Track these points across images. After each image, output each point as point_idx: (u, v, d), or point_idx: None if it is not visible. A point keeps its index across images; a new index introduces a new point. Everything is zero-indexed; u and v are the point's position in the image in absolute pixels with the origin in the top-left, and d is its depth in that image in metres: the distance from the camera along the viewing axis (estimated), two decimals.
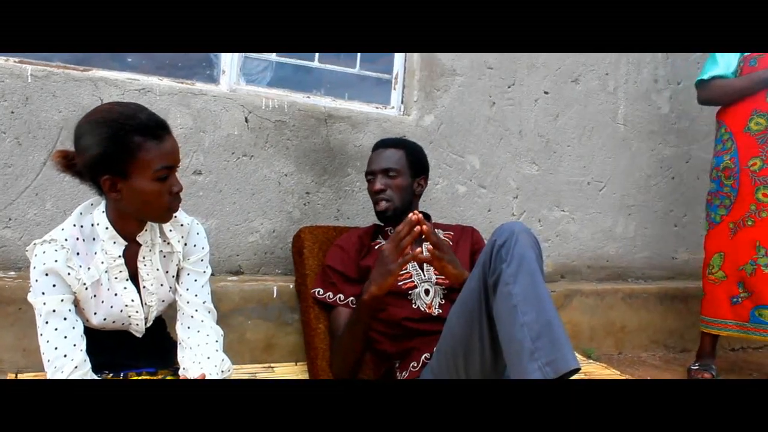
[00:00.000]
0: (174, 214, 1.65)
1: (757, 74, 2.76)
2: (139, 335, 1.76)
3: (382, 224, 2.36)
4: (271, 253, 2.71)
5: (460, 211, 3.09)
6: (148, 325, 1.77)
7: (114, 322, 1.68)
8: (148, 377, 1.74)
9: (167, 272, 1.74)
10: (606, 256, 3.52)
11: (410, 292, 2.12)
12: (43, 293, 1.52)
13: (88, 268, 1.59)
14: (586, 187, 3.42)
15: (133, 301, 1.68)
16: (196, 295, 1.74)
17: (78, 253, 1.58)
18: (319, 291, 2.24)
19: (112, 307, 1.65)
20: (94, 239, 1.62)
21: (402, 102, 3.03)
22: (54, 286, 1.53)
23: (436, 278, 2.16)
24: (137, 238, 1.66)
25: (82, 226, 1.61)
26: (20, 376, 2.15)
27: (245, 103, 2.63)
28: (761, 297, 2.75)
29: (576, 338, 3.20)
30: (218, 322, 1.79)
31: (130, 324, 1.72)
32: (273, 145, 2.68)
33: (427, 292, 2.14)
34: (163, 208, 1.58)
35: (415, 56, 2.97)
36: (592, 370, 2.77)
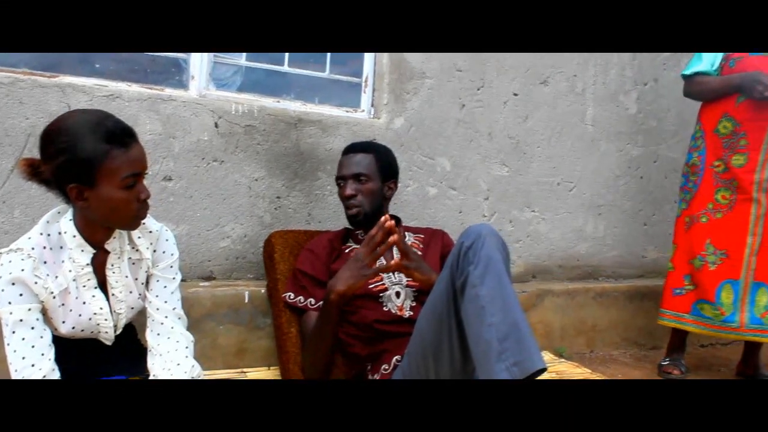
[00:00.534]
0: (142, 221, 1.65)
1: (731, 77, 2.81)
2: (108, 343, 1.75)
3: (353, 228, 2.37)
4: (243, 258, 2.71)
5: (431, 213, 3.11)
6: (118, 332, 1.76)
7: (83, 330, 1.67)
8: None
9: (136, 279, 1.73)
10: (576, 255, 3.56)
11: (381, 294, 2.14)
12: (9, 303, 1.51)
13: (56, 277, 1.59)
14: (556, 187, 3.46)
15: (101, 308, 1.67)
16: (165, 302, 1.74)
17: (45, 262, 1.57)
18: (290, 295, 2.24)
19: (80, 315, 1.65)
20: (61, 247, 1.61)
21: (372, 105, 3.04)
22: (21, 295, 1.52)
23: (407, 281, 2.17)
24: (105, 246, 1.65)
25: (49, 235, 1.60)
26: None
27: (215, 108, 2.63)
28: (704, 292, 2.85)
29: (548, 337, 3.24)
30: (190, 328, 1.79)
31: (99, 332, 1.71)
32: (243, 150, 2.68)
33: (398, 294, 2.15)
34: (131, 215, 1.57)
35: (385, 59, 2.99)
36: (563, 368, 2.80)
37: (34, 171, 1.55)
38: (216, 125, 2.63)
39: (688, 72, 2.99)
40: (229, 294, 2.51)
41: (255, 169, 2.71)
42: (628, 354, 3.42)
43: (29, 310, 1.53)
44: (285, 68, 2.91)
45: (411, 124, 3.04)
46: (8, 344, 1.52)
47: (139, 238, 1.71)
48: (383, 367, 2.05)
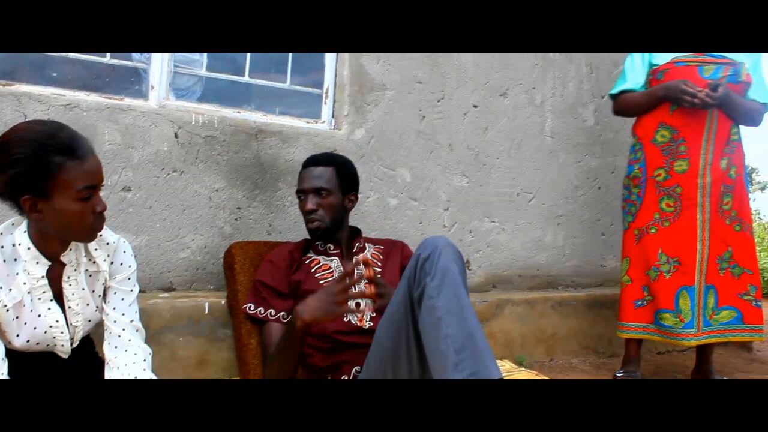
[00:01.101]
0: (99, 233, 1.64)
1: (655, 89, 2.91)
2: (65, 356, 1.73)
3: (313, 239, 2.37)
4: (203, 269, 2.70)
5: (391, 223, 3.13)
6: (74, 345, 1.74)
7: (38, 343, 1.65)
8: None
9: (93, 291, 1.72)
10: (536, 265, 3.60)
11: None
12: None
13: (9, 290, 1.56)
14: (516, 198, 3.50)
15: (57, 321, 1.65)
16: (123, 314, 1.73)
17: None
18: (250, 306, 2.23)
19: (35, 328, 1.63)
20: (15, 260, 1.59)
21: (333, 116, 3.05)
22: None
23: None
24: (61, 258, 1.63)
25: (2, 247, 1.58)
26: None
27: (175, 118, 2.62)
28: (661, 301, 2.89)
29: (508, 346, 3.26)
30: (149, 340, 1.78)
31: (56, 345, 1.69)
32: (203, 160, 2.68)
33: (358, 305, 2.16)
34: (87, 228, 1.56)
35: (345, 70, 3.00)
36: (523, 377, 2.82)
37: None
38: (176, 135, 2.62)
39: (614, 91, 3.08)
40: (188, 305, 2.49)
41: (215, 179, 2.70)
42: (587, 362, 3.46)
43: None
44: (246, 79, 2.91)
45: (372, 135, 3.06)
46: None
47: (95, 249, 1.69)
48: (343, 378, 2.05)
